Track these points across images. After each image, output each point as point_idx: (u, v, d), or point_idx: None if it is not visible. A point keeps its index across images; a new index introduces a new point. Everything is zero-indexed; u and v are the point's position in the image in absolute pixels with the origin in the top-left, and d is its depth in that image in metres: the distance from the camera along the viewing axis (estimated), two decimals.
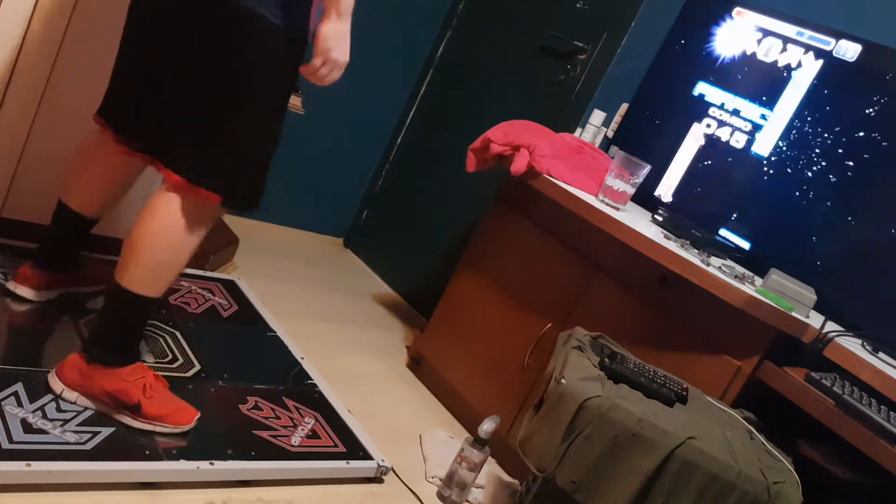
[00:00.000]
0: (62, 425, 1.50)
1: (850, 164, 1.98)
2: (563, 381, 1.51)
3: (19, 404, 1.50)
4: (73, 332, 1.82)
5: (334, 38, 1.49)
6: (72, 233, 1.86)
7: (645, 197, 2.30)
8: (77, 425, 1.52)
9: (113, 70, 1.72)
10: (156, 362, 1.84)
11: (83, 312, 1.91)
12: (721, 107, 2.26)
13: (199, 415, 1.68)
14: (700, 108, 2.30)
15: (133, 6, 1.65)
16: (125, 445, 1.53)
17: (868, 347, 1.70)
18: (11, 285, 1.85)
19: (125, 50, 1.68)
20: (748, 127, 2.20)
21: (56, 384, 1.58)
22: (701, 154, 2.28)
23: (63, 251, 1.90)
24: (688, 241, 1.98)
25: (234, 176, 1.55)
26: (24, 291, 1.85)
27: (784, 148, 2.11)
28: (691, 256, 1.85)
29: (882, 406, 1.57)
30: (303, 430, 1.85)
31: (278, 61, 1.52)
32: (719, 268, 1.85)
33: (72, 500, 1.42)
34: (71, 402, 1.57)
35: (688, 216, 2.19)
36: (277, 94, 1.58)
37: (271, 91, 1.56)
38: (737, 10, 2.28)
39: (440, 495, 1.94)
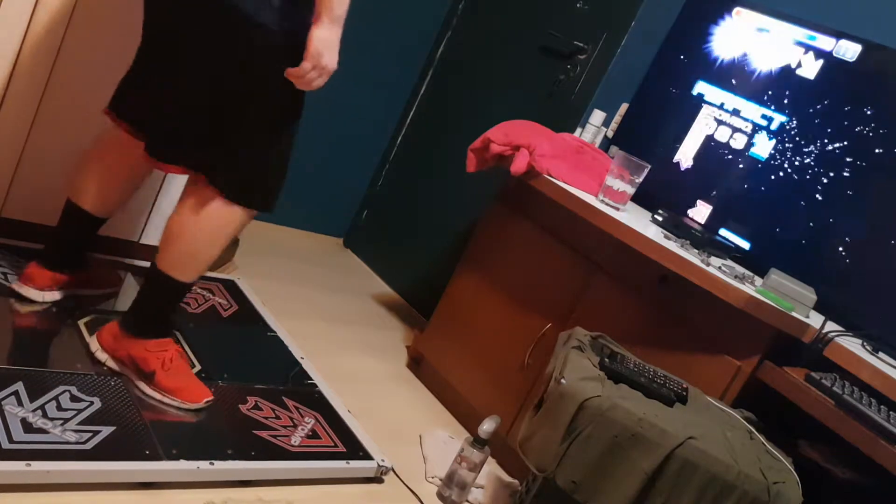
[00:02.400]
0: (62, 425, 1.50)
1: (850, 163, 1.98)
2: (563, 381, 1.51)
3: (19, 404, 1.50)
4: (74, 331, 1.82)
5: (325, 44, 1.49)
6: (81, 233, 1.87)
7: (645, 197, 2.30)
8: (77, 425, 1.52)
9: (130, 71, 1.75)
10: None
11: (84, 312, 1.91)
12: (721, 107, 2.26)
13: (211, 397, 1.77)
14: (700, 108, 2.30)
15: (148, 22, 1.68)
16: (125, 445, 1.53)
17: (868, 347, 1.70)
18: (16, 286, 1.84)
19: (143, 59, 1.72)
20: (748, 127, 2.20)
21: (93, 343, 1.76)
22: (701, 153, 2.29)
23: (71, 252, 1.89)
24: (688, 241, 1.98)
25: (253, 182, 1.69)
26: (29, 292, 1.84)
27: (784, 147, 2.11)
28: (691, 256, 1.85)
29: (882, 406, 1.57)
30: (303, 430, 1.85)
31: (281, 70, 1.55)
32: (719, 268, 1.85)
33: (72, 500, 1.42)
34: (101, 362, 1.74)
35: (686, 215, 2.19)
36: (290, 101, 1.63)
37: (283, 100, 1.61)
38: (737, 9, 2.28)
39: (440, 495, 1.94)
